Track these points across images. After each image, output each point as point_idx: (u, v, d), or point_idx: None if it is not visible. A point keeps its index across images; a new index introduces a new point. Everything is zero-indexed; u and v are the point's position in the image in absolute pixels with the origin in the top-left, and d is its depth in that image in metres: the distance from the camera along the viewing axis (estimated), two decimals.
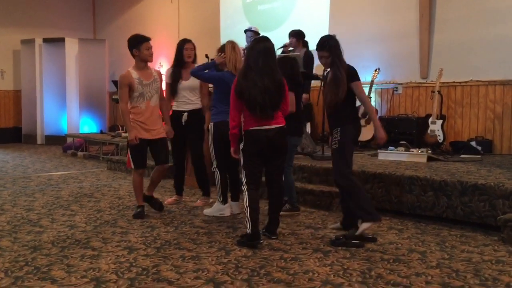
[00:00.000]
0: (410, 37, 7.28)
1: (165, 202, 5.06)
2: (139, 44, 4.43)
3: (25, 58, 12.10)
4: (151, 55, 4.48)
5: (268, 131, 3.70)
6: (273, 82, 3.69)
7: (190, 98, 5.01)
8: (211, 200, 5.08)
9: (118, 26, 13.28)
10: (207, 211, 4.67)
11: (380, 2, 7.68)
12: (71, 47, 11.85)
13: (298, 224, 4.30)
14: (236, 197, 4.68)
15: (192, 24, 11.16)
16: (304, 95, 6.68)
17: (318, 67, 7.33)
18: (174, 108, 5.08)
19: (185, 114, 4.97)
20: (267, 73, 3.67)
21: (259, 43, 3.80)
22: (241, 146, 3.79)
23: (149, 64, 4.60)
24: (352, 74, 3.83)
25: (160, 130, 4.59)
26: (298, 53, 6.52)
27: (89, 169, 7.81)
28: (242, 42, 7.21)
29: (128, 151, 4.64)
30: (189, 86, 4.98)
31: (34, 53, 11.90)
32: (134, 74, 4.44)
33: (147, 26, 12.37)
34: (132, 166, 4.57)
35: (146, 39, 4.46)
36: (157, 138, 4.55)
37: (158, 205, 4.75)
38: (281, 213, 4.04)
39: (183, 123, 4.97)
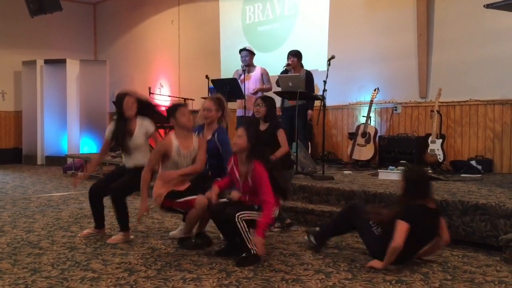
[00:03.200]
0: (409, 57, 7.35)
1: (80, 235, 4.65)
2: (173, 112, 4.19)
3: (26, 79, 12.18)
4: (189, 120, 4.20)
5: None
6: None
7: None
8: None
9: (119, 47, 13.41)
10: (174, 233, 4.55)
11: (379, 23, 7.77)
12: (72, 68, 11.94)
13: (299, 245, 4.27)
14: None
15: (192, 45, 11.27)
16: (309, 111, 6.82)
17: (316, 86, 7.39)
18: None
19: None
20: None
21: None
22: None
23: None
24: None
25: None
26: (298, 74, 6.57)
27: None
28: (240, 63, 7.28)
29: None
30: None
31: (35, 74, 11.98)
32: (175, 143, 4.15)
33: (147, 47, 12.49)
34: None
35: (181, 105, 4.30)
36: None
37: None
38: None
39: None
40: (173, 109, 4.26)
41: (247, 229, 3.64)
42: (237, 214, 3.65)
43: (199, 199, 3.96)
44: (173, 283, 3.25)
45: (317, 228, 4.14)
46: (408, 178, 3.66)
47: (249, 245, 3.60)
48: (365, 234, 3.76)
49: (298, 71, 6.81)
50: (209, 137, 4.49)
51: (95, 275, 3.42)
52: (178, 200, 4.06)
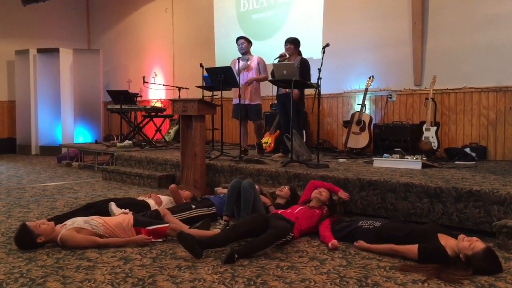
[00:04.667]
0: (403, 44, 7.34)
1: None
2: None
3: (19, 68, 12.11)
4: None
5: None
6: None
7: None
8: None
9: (113, 36, 13.32)
10: None
11: (373, 10, 7.75)
12: (66, 57, 11.87)
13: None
14: None
15: (186, 34, 11.21)
16: (295, 90, 6.53)
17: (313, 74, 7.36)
18: None
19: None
20: None
21: None
22: None
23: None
24: None
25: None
26: (292, 62, 6.53)
27: (84, 180, 7.78)
28: (236, 51, 7.24)
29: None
30: None
31: (29, 63, 11.92)
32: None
33: (141, 36, 12.42)
34: None
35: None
36: None
37: None
38: None
39: None
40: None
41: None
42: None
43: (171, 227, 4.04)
44: (168, 271, 3.26)
45: None
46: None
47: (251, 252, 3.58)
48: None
49: (294, 59, 6.76)
50: None
51: (90, 264, 3.42)
52: (148, 228, 3.99)
